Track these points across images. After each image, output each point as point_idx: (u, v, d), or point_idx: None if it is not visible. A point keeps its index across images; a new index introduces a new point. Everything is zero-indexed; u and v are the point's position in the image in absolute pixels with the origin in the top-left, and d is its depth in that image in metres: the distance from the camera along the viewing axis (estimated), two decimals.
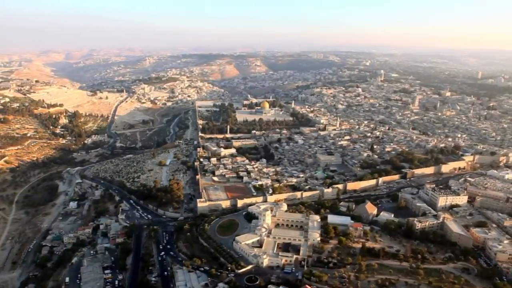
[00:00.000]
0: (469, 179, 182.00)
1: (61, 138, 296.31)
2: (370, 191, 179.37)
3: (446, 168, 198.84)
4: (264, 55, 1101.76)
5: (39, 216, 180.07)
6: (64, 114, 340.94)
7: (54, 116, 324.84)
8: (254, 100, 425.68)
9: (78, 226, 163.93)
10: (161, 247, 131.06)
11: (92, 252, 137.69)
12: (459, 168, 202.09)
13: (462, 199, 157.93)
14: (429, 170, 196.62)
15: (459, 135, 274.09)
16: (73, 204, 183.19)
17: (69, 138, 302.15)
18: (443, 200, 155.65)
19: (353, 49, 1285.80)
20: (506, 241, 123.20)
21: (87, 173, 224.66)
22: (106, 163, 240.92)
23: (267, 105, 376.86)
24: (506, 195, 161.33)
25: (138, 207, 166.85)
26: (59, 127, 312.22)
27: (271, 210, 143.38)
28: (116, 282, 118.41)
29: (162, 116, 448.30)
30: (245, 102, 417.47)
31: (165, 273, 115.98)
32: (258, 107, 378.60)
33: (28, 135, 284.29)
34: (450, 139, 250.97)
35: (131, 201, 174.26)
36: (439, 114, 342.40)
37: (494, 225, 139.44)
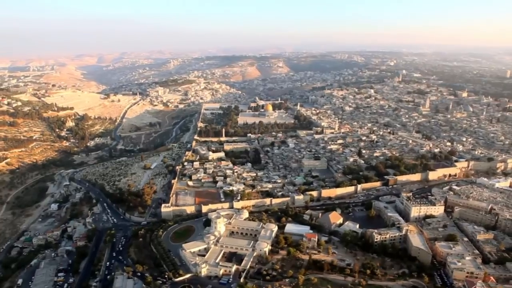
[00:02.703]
0: (454, 187, 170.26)
1: (64, 141, 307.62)
2: (347, 198, 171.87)
3: (434, 175, 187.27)
4: (289, 56, 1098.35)
5: (21, 217, 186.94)
6: (73, 117, 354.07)
7: (62, 119, 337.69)
8: (261, 102, 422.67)
9: (54, 227, 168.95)
10: (114, 252, 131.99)
11: (53, 254, 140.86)
12: (450, 175, 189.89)
13: (437, 210, 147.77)
14: (415, 177, 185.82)
15: (464, 139, 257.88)
16: (54, 206, 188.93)
17: (73, 140, 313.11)
18: (416, 210, 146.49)
19: (382, 49, 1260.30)
20: (468, 258, 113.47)
21: (77, 175, 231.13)
22: (97, 166, 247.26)
23: (270, 107, 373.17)
24: (489, 206, 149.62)
25: (109, 211, 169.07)
26: (65, 130, 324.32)
27: (229, 218, 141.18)
28: (66, 285, 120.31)
29: (173, 118, 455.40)
30: (252, 104, 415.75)
31: (108, 277, 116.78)
32: (262, 110, 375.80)
33: (34, 137, 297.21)
34: (448, 143, 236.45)
35: (105, 204, 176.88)
36: (448, 116, 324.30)
37: (465, 239, 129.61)
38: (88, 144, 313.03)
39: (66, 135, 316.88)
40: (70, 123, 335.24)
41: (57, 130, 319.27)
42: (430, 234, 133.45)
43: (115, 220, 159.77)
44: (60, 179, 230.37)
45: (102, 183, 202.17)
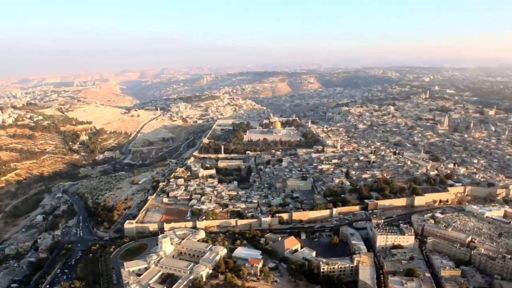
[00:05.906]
0: (437, 215, 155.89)
1: (75, 154, 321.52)
2: (319, 222, 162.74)
3: (421, 200, 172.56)
4: (323, 72, 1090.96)
5: (9, 226, 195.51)
6: (89, 131, 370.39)
7: (77, 133, 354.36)
8: (274, 119, 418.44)
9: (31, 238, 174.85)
10: (65, 266, 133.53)
11: (15, 265, 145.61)
12: (440, 201, 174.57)
13: (407, 239, 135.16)
14: (400, 201, 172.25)
15: (475, 161, 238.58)
16: (39, 217, 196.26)
17: (83, 153, 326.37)
18: (382, 239, 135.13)
19: (422, 64, 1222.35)
20: None
21: (72, 188, 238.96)
22: (93, 179, 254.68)
23: (278, 124, 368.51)
24: (468, 237, 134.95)
25: (81, 224, 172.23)
26: (78, 143, 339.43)
27: (184, 237, 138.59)
28: None
29: (189, 134, 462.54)
30: (264, 121, 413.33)
31: None
32: (271, 127, 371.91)
33: (47, 150, 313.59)
34: (450, 165, 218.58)
35: (81, 218, 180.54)
36: (465, 135, 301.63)
37: (427, 275, 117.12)
38: (97, 158, 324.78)
39: (78, 148, 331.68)
40: (83, 137, 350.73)
41: (70, 143, 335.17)
42: (390, 267, 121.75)
43: (82, 234, 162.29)
44: (56, 191, 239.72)
45: (87, 196, 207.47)
